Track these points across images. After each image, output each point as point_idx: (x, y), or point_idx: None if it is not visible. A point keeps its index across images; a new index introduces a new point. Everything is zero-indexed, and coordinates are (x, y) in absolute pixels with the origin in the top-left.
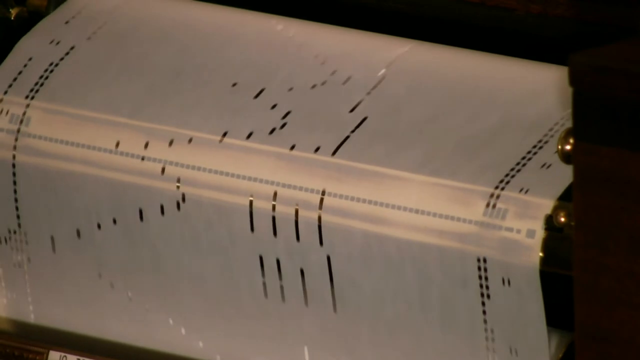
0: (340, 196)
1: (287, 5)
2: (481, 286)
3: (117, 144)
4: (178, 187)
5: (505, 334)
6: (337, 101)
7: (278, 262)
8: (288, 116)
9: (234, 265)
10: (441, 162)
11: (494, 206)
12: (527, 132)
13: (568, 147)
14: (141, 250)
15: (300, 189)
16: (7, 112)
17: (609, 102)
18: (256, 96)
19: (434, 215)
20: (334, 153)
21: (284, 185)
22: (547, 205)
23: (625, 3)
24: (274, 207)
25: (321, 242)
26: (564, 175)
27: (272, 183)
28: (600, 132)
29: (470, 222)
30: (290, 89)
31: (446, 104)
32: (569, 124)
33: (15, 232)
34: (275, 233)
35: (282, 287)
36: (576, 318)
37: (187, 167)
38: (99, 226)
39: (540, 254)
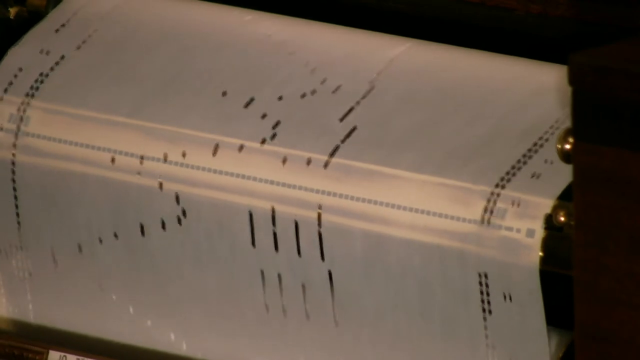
0: (337, 209)
1: (287, 5)
2: (482, 301)
3: (113, 160)
4: (177, 202)
5: (505, 345)
6: (328, 110)
7: (279, 276)
8: (278, 126)
9: (236, 280)
10: (440, 163)
11: (493, 205)
12: (526, 131)
13: (568, 147)
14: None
15: (297, 203)
16: (6, 112)
17: (609, 102)
18: (246, 105)
19: (434, 215)
20: (326, 165)
21: (280, 201)
22: (546, 204)
23: (625, 3)
24: (273, 221)
25: (322, 257)
26: (564, 174)
27: (269, 198)
28: (600, 132)
29: (470, 221)
30: (280, 98)
31: (445, 104)
32: (568, 122)
33: (13, 237)
34: (276, 248)
35: (283, 302)
36: (576, 318)
37: (183, 182)
38: (99, 237)
39: (540, 254)
